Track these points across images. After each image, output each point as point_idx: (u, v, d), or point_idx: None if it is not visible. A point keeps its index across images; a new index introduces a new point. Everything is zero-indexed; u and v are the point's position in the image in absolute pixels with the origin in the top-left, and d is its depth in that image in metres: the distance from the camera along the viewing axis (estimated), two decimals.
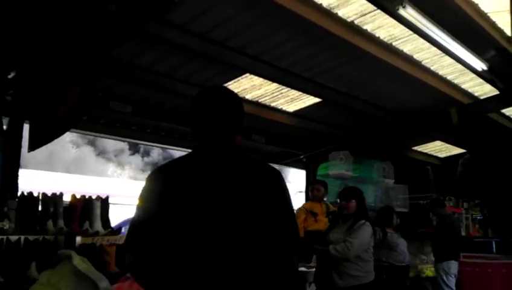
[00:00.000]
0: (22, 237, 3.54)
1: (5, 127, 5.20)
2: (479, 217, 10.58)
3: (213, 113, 1.76)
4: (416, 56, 6.26)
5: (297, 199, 19.89)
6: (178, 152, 9.60)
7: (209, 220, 1.60)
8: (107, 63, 5.45)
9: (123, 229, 4.76)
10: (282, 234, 1.68)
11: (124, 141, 9.08)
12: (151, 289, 1.64)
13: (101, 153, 35.14)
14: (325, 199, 6.44)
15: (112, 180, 25.35)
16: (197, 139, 1.78)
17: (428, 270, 7.58)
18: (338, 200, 4.77)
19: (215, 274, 1.55)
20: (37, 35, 4.90)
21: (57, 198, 3.93)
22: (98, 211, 4.03)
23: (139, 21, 4.44)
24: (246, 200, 1.64)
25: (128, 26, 4.50)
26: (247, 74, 6.27)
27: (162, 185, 1.68)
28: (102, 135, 7.87)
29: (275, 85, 6.73)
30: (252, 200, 1.65)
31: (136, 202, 1.71)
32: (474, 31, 5.54)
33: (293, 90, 6.94)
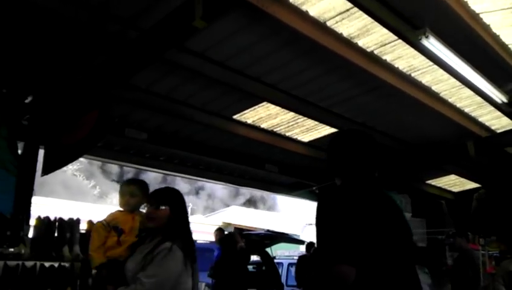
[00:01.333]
0: (38, 263, 3.44)
1: (20, 151, 5.16)
2: (495, 254, 10.30)
3: (368, 153, 2.09)
4: (434, 87, 6.20)
5: (307, 233, 19.71)
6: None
7: (391, 237, 1.93)
8: (125, 89, 5.44)
9: None
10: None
11: (137, 168, 9.00)
12: None
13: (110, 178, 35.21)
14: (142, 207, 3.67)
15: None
16: (346, 174, 2.07)
17: None
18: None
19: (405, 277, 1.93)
20: (55, 61, 4.92)
21: (73, 223, 3.85)
22: None
23: (160, 48, 4.45)
24: (403, 222, 2.07)
25: (148, 53, 4.51)
26: (264, 103, 6.24)
27: (350, 209, 1.89)
28: (115, 161, 7.83)
29: (291, 114, 6.68)
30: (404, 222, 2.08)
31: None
32: (494, 63, 5.49)
33: (309, 120, 6.89)
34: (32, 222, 4.33)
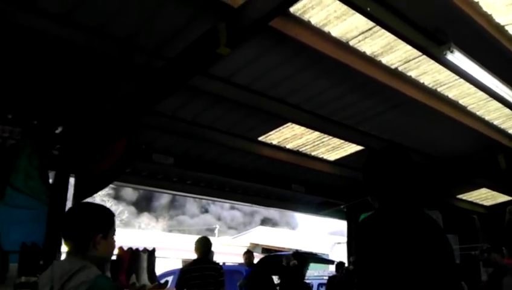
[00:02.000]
0: None
1: (51, 180, 5.27)
2: None
3: (407, 172, 1.98)
4: (461, 101, 6.11)
5: (336, 252, 19.43)
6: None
7: (433, 263, 1.81)
8: (151, 116, 5.53)
9: (169, 282, 4.64)
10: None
11: (164, 193, 9.09)
12: None
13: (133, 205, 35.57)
14: None
15: (145, 232, 25.39)
16: (385, 195, 1.96)
17: None
18: None
19: None
20: (84, 92, 5.04)
21: None
22: (144, 263, 3.96)
23: (185, 76, 4.50)
24: (445, 243, 1.93)
25: (173, 81, 4.57)
26: (288, 123, 6.24)
27: (393, 239, 1.81)
28: (143, 187, 7.92)
29: (316, 134, 6.66)
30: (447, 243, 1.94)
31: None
32: None
33: (334, 139, 6.86)
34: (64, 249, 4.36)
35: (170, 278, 5.43)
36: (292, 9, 4.13)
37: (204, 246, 5.23)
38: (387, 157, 2.03)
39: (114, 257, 4.01)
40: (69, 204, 5.28)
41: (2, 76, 4.51)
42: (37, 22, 3.83)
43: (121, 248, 4.11)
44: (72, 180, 5.41)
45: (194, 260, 5.16)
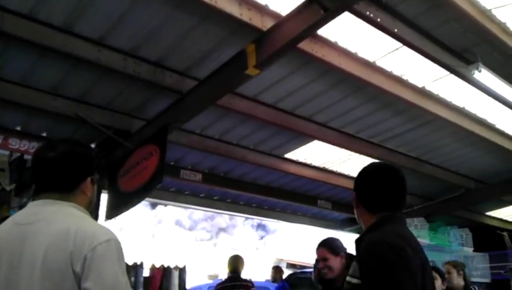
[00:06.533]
0: None
1: None
2: None
3: (403, 186, 1.91)
4: (490, 119, 6.07)
5: None
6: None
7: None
8: (180, 134, 5.65)
9: None
10: None
11: (192, 209, 9.20)
12: None
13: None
14: None
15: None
16: (381, 208, 1.86)
17: None
18: None
19: None
20: (118, 111, 5.21)
21: (137, 267, 3.99)
22: (176, 280, 4.05)
23: (214, 96, 4.62)
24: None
25: (203, 100, 4.69)
26: (315, 141, 6.29)
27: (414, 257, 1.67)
28: (171, 202, 8.03)
29: (342, 151, 6.69)
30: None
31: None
32: None
33: (361, 156, 6.86)
34: None
35: None
36: (320, 31, 4.21)
37: (235, 262, 5.29)
38: (387, 173, 1.93)
39: (147, 274, 4.10)
40: (101, 221, 5.43)
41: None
42: (74, 46, 4.01)
43: (153, 265, 4.20)
44: (104, 197, 5.55)
45: (228, 277, 5.23)
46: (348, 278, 1.79)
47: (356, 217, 1.96)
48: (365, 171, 1.97)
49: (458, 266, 4.13)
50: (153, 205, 30.21)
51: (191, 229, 36.14)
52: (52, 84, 4.64)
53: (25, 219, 1.59)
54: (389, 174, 1.93)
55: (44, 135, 5.41)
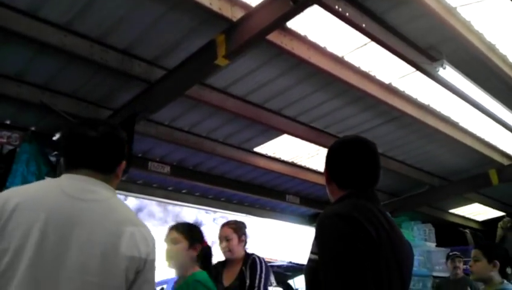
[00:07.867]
0: None
1: None
2: None
3: (376, 162, 1.83)
4: (454, 117, 6.23)
5: None
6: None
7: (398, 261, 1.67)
8: (148, 125, 5.59)
9: None
10: None
11: (158, 202, 9.09)
12: None
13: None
14: None
15: None
16: (351, 184, 1.78)
17: None
18: None
19: None
20: (82, 100, 5.11)
21: None
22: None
23: (183, 86, 4.59)
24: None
25: (172, 91, 4.66)
26: (284, 135, 6.33)
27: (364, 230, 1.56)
28: (138, 195, 7.93)
29: (311, 146, 6.74)
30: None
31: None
32: None
33: None
34: None
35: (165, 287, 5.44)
36: (289, 24, 4.24)
37: None
38: (360, 147, 1.83)
39: None
40: None
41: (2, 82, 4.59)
42: (39, 30, 3.92)
43: None
44: None
45: None
46: (309, 256, 1.73)
47: (328, 194, 1.87)
48: (335, 145, 1.89)
49: None
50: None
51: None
52: (15, 70, 4.52)
53: (78, 193, 1.56)
54: (359, 147, 1.82)
55: (7, 122, 5.27)
